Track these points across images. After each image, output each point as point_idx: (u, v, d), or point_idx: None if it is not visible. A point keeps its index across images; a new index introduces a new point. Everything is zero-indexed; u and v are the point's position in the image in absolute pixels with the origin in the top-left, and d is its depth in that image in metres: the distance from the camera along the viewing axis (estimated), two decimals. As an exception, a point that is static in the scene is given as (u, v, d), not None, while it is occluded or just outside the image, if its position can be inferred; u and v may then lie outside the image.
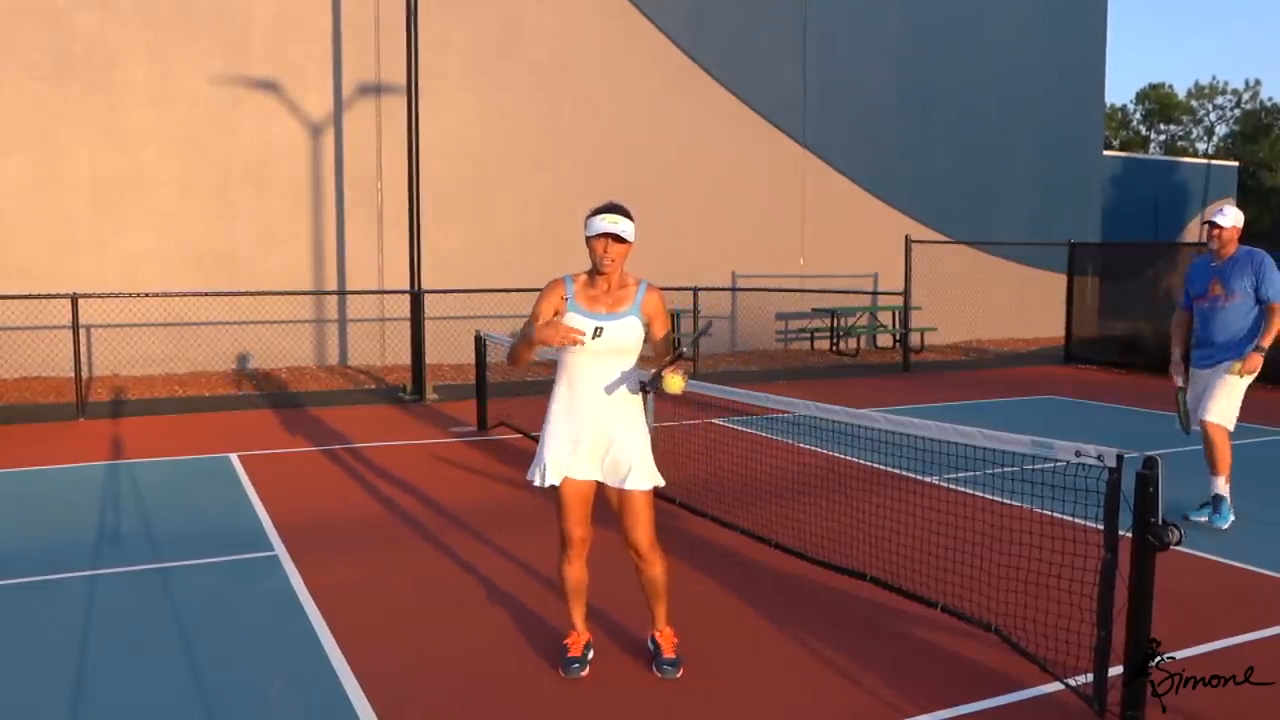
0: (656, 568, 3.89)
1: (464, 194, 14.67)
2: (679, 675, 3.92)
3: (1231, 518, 6.07)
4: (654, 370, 3.71)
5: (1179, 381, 6.38)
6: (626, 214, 3.70)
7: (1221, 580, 5.22)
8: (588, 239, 3.71)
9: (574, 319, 3.74)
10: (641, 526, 3.82)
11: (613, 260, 3.69)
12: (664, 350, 3.88)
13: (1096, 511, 3.63)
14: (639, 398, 3.87)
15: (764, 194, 17.25)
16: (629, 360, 3.81)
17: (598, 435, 3.79)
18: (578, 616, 4.05)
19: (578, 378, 3.80)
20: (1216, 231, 6.16)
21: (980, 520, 5.70)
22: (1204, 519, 6.20)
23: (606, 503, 3.90)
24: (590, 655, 4.03)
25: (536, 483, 3.82)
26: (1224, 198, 34.06)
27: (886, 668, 4.06)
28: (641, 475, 3.79)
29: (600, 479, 3.83)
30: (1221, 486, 6.10)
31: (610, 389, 3.78)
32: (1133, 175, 31.87)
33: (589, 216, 3.71)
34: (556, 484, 3.80)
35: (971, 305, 18.87)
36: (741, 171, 16.97)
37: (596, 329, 3.73)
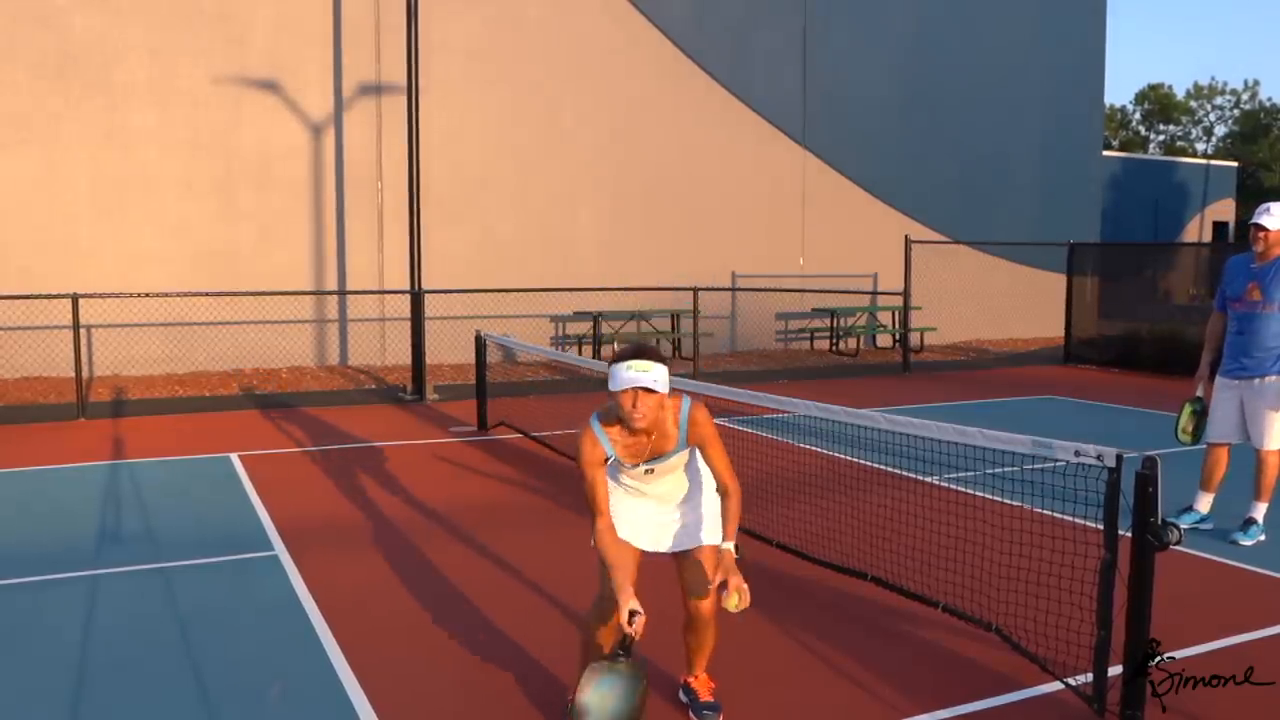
0: (707, 604, 3.58)
1: (464, 194, 14.66)
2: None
3: (1261, 537, 5.81)
4: (718, 579, 3.28)
5: (1198, 392, 6.00)
6: (657, 357, 3.24)
7: (1221, 580, 5.22)
8: (611, 393, 3.25)
9: (619, 490, 3.50)
10: (703, 577, 3.51)
11: (643, 416, 3.22)
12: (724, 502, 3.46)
13: (1096, 511, 3.64)
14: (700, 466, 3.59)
15: (764, 194, 17.26)
16: (690, 467, 3.57)
17: (662, 519, 3.55)
18: None
19: (636, 488, 3.53)
20: (1262, 234, 5.65)
21: (980, 520, 5.71)
22: (1189, 525, 5.97)
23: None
24: None
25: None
26: (1223, 198, 34.10)
27: (886, 667, 4.06)
28: (707, 532, 3.54)
29: (666, 550, 3.56)
30: (1259, 511, 5.83)
31: (672, 490, 3.54)
32: (1132, 175, 31.90)
33: (612, 364, 3.24)
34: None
35: (971, 305, 18.87)
36: (741, 171, 16.97)
37: (647, 470, 3.44)
